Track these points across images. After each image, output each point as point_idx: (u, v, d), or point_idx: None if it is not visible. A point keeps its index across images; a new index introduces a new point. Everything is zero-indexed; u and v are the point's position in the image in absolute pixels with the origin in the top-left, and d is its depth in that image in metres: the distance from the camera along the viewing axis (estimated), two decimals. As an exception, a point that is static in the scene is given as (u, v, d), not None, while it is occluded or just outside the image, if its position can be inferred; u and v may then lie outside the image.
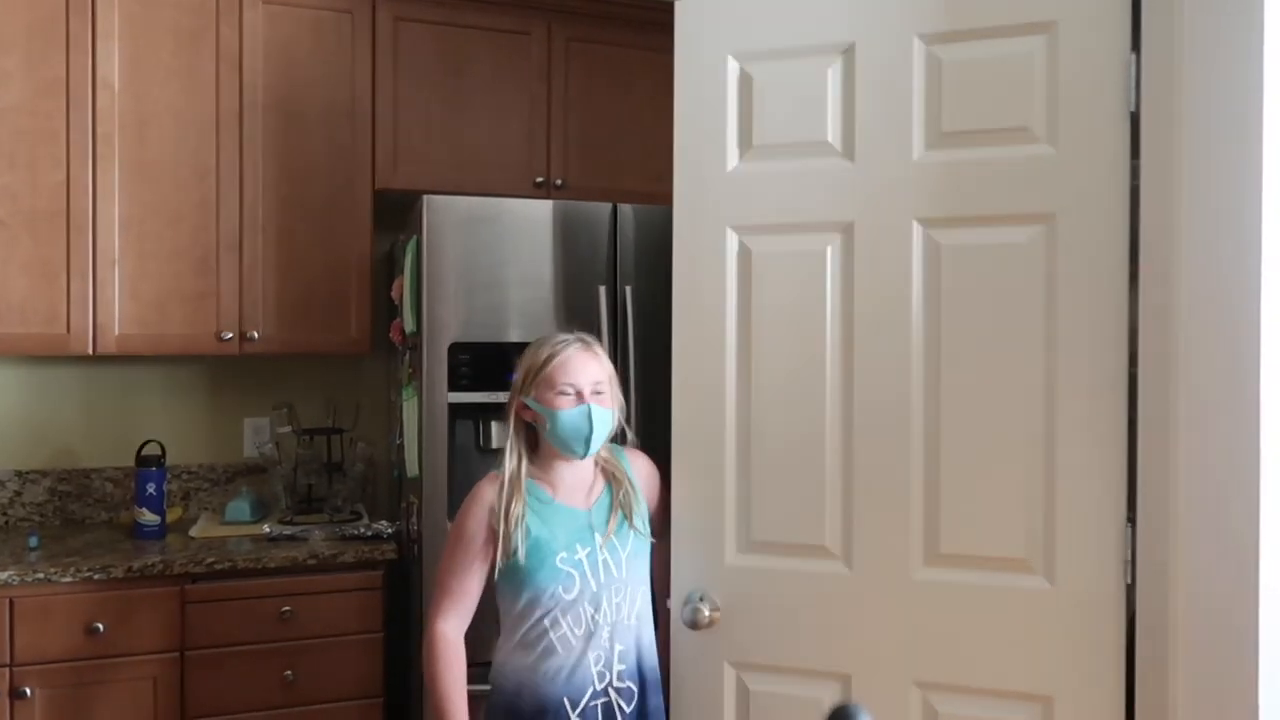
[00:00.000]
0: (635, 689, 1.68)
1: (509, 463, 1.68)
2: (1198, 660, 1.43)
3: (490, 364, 2.29)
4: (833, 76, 1.67)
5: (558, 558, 1.63)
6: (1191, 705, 1.43)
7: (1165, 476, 1.46)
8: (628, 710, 1.68)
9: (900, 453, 1.63)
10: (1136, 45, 1.51)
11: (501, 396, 1.75)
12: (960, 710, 1.62)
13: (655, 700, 1.72)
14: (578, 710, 1.63)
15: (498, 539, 1.63)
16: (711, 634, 1.73)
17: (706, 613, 1.72)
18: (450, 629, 1.66)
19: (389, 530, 2.55)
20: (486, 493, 1.67)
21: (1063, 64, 1.55)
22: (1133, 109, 1.51)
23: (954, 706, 1.62)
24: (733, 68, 1.73)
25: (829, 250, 1.68)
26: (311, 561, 2.37)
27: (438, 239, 2.27)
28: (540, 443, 1.71)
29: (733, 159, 1.73)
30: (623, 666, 1.68)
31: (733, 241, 1.73)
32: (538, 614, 1.63)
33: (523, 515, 1.64)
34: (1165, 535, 1.47)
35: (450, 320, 2.27)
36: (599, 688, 1.65)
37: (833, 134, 1.67)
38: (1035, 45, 1.56)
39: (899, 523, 1.64)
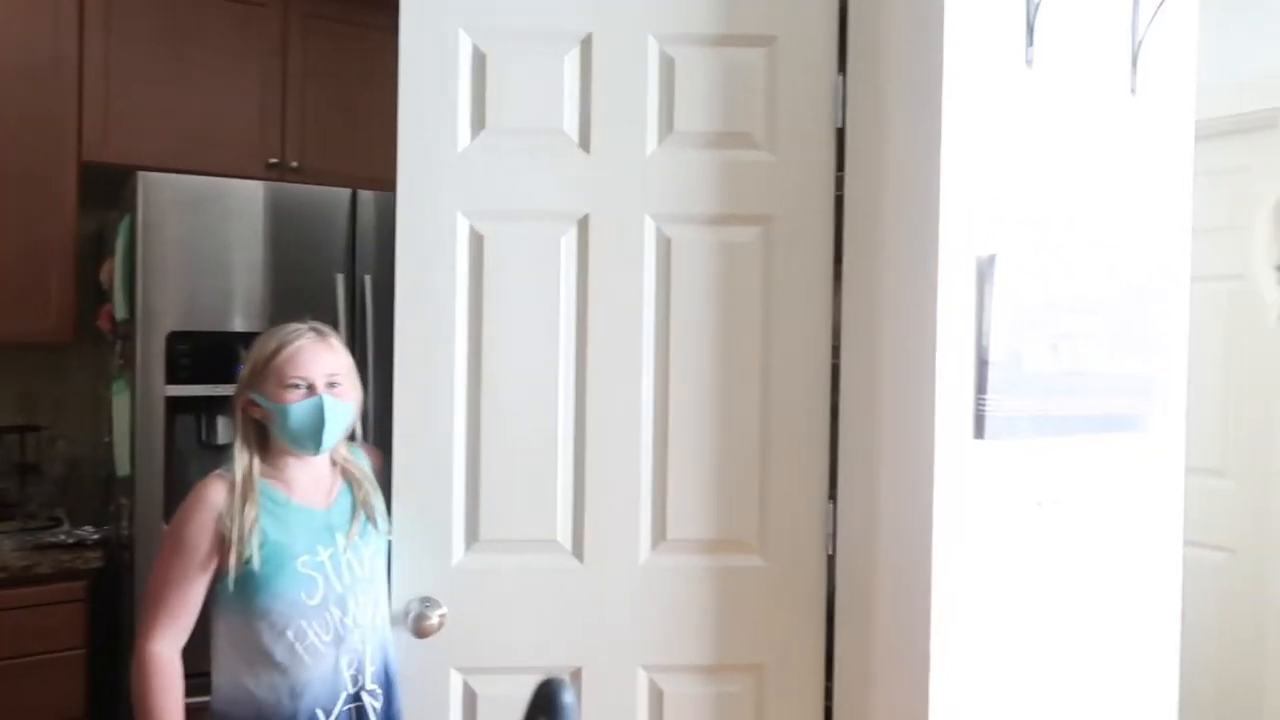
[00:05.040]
0: (382, 690, 1.65)
1: (239, 462, 1.58)
2: (888, 621, 1.61)
3: (214, 354, 2.18)
4: (570, 65, 1.71)
5: (299, 561, 1.57)
6: (882, 661, 1.62)
7: (863, 458, 1.65)
8: (379, 710, 1.64)
9: (630, 445, 1.71)
10: (843, 67, 1.67)
11: (228, 389, 1.64)
12: (684, 688, 1.73)
13: (398, 703, 1.69)
14: (331, 718, 1.57)
15: (226, 546, 1.53)
16: (438, 640, 1.68)
17: (434, 619, 1.67)
18: (165, 649, 1.53)
19: (94, 536, 2.37)
20: (212, 496, 1.56)
21: (781, 77, 1.70)
22: (839, 124, 1.66)
23: (678, 685, 1.73)
24: (465, 42, 1.69)
25: (563, 241, 1.72)
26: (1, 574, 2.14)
27: (155, 219, 2.13)
28: (271, 440, 1.62)
29: (464, 139, 1.69)
30: (374, 667, 1.64)
31: (464, 227, 1.70)
32: (280, 625, 1.55)
33: (257, 519, 1.55)
34: (862, 511, 1.64)
35: (168, 307, 2.14)
36: (351, 691, 1.61)
37: (569, 123, 1.71)
38: (758, 57, 1.70)
39: (629, 513, 1.72)
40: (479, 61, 1.69)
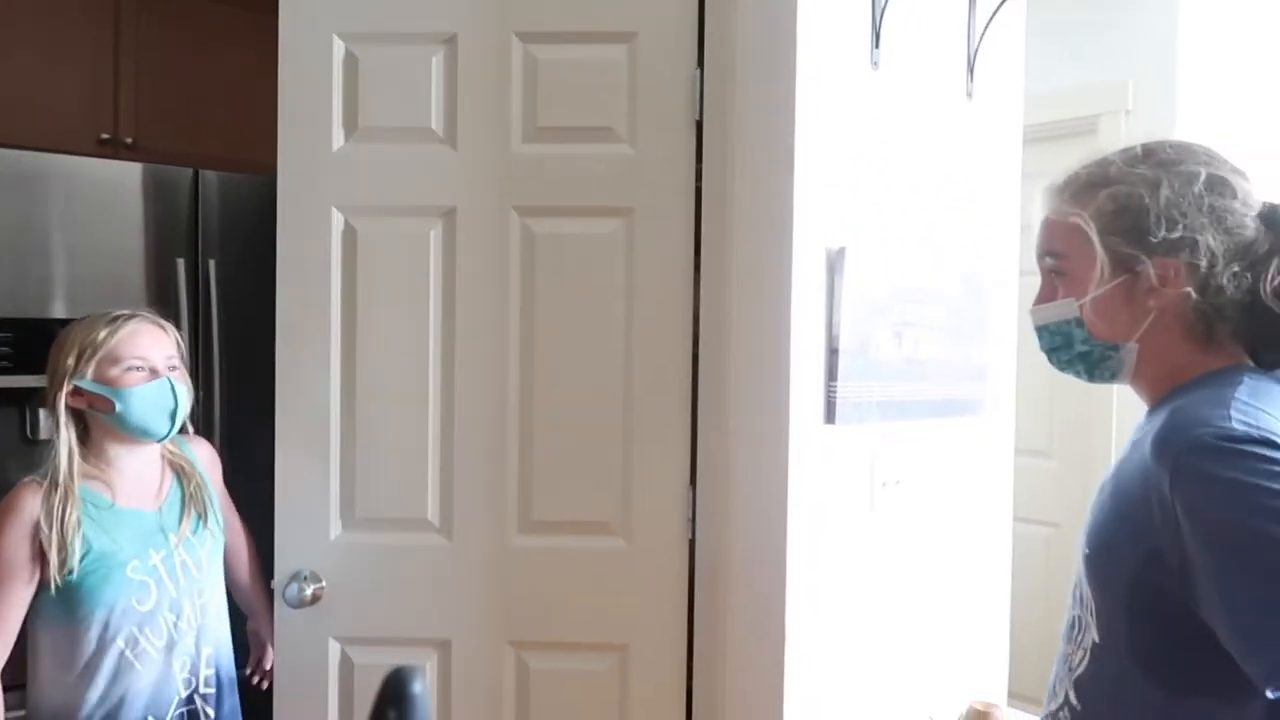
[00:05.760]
0: (215, 693, 1.62)
1: (61, 463, 1.51)
2: (745, 600, 1.70)
3: (36, 343, 2.05)
4: (436, 65, 1.77)
5: (128, 568, 1.52)
6: (739, 638, 1.71)
7: (721, 444, 1.73)
8: (211, 715, 1.61)
9: (497, 430, 1.78)
10: (701, 62, 1.73)
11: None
12: (550, 665, 1.81)
13: (231, 700, 1.67)
14: None
15: (46, 557, 1.46)
16: (316, 611, 1.77)
17: (310, 591, 1.75)
18: None
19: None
20: (25, 504, 1.48)
21: (641, 72, 1.75)
22: (698, 118, 1.73)
23: (545, 662, 1.81)
24: (339, 47, 1.77)
25: (432, 234, 1.78)
26: None
27: (-29, 196, 1.98)
28: (93, 437, 1.55)
29: (338, 139, 1.77)
30: (209, 671, 1.62)
31: (338, 221, 1.77)
32: (109, 635, 1.50)
33: (79, 523, 1.48)
34: (721, 495, 1.72)
35: (-13, 292, 2.00)
36: (184, 695, 1.57)
37: (436, 121, 1.77)
38: (618, 53, 1.76)
39: (496, 495, 1.79)
40: (350, 65, 1.77)
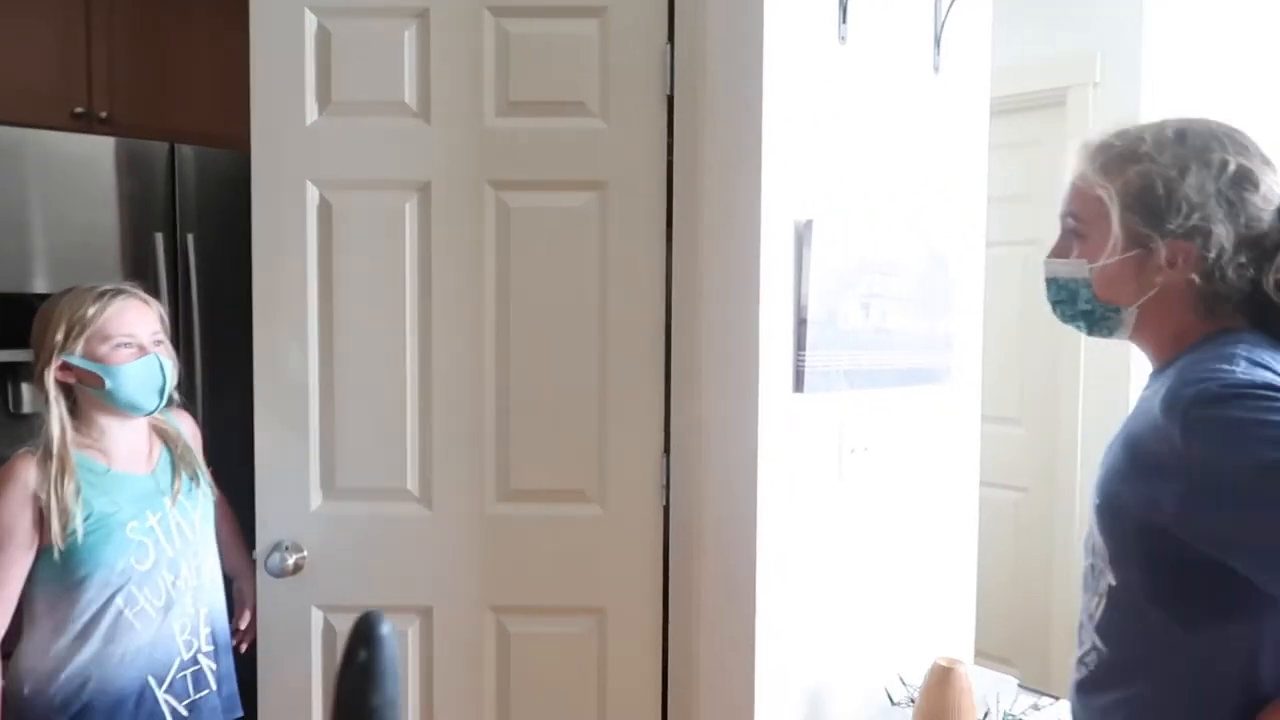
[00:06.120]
0: (213, 650, 1.67)
1: (53, 434, 1.54)
2: (718, 565, 1.76)
3: (17, 317, 2.08)
4: (409, 39, 1.79)
5: (128, 528, 1.56)
6: (713, 601, 1.77)
7: (693, 413, 1.77)
8: (216, 672, 1.66)
9: (475, 400, 1.82)
10: (671, 37, 1.76)
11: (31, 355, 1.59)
12: (529, 629, 1.86)
13: (226, 660, 1.72)
14: (165, 685, 1.58)
15: (46, 523, 1.50)
16: (298, 580, 1.82)
17: (292, 560, 1.79)
18: None
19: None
20: (22, 473, 1.52)
21: (612, 47, 1.79)
22: (669, 92, 1.77)
23: (524, 626, 1.86)
24: (310, 21, 1.78)
25: (407, 207, 1.80)
26: None
27: (-55, 172, 2.00)
28: (83, 408, 1.59)
29: (312, 113, 1.79)
30: (208, 629, 1.66)
31: (313, 195, 1.79)
32: (108, 594, 1.54)
33: (78, 489, 1.52)
34: (693, 462, 1.78)
35: (-37, 268, 2.02)
36: (187, 657, 1.62)
37: (409, 95, 1.79)
38: (590, 28, 1.79)
39: (474, 464, 1.83)
40: (323, 39, 1.78)
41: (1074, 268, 1.18)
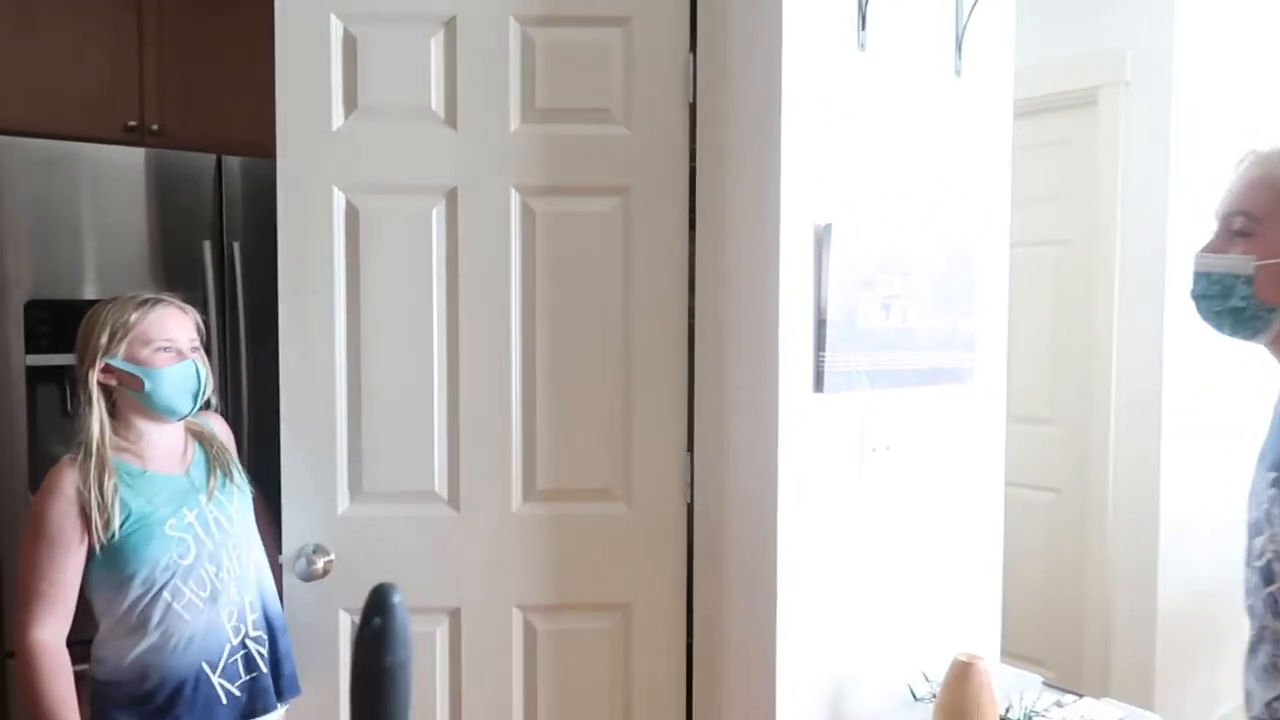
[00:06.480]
0: (266, 635, 1.74)
1: (94, 434, 1.62)
2: (740, 561, 1.79)
3: (74, 323, 2.17)
4: (435, 46, 1.83)
5: (167, 525, 1.63)
6: (736, 597, 1.80)
7: (716, 412, 1.81)
8: (265, 655, 1.73)
9: (501, 402, 1.86)
10: (694, 46, 1.80)
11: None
12: (557, 626, 1.90)
13: (285, 642, 1.78)
14: (219, 670, 1.66)
15: (91, 524, 1.58)
16: (326, 584, 1.85)
17: (320, 564, 1.83)
18: (49, 635, 1.57)
19: (-46, 510, 2.32)
20: (65, 479, 1.60)
21: (637, 56, 1.83)
22: (691, 99, 1.81)
23: (551, 623, 1.90)
24: (336, 26, 1.81)
25: (434, 212, 1.85)
26: None
27: (6, 184, 2.14)
28: (122, 411, 1.67)
29: (338, 118, 1.82)
30: (254, 615, 1.73)
31: (340, 200, 1.83)
32: (154, 589, 1.62)
33: (116, 489, 1.60)
34: (716, 461, 1.81)
35: (24, 276, 2.14)
36: (236, 642, 1.69)
37: (436, 101, 1.83)
38: (614, 36, 1.83)
39: (500, 465, 1.87)
40: (350, 44, 1.81)
41: (1237, 263, 1.19)
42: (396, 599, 0.89)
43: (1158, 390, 2.60)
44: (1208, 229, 1.26)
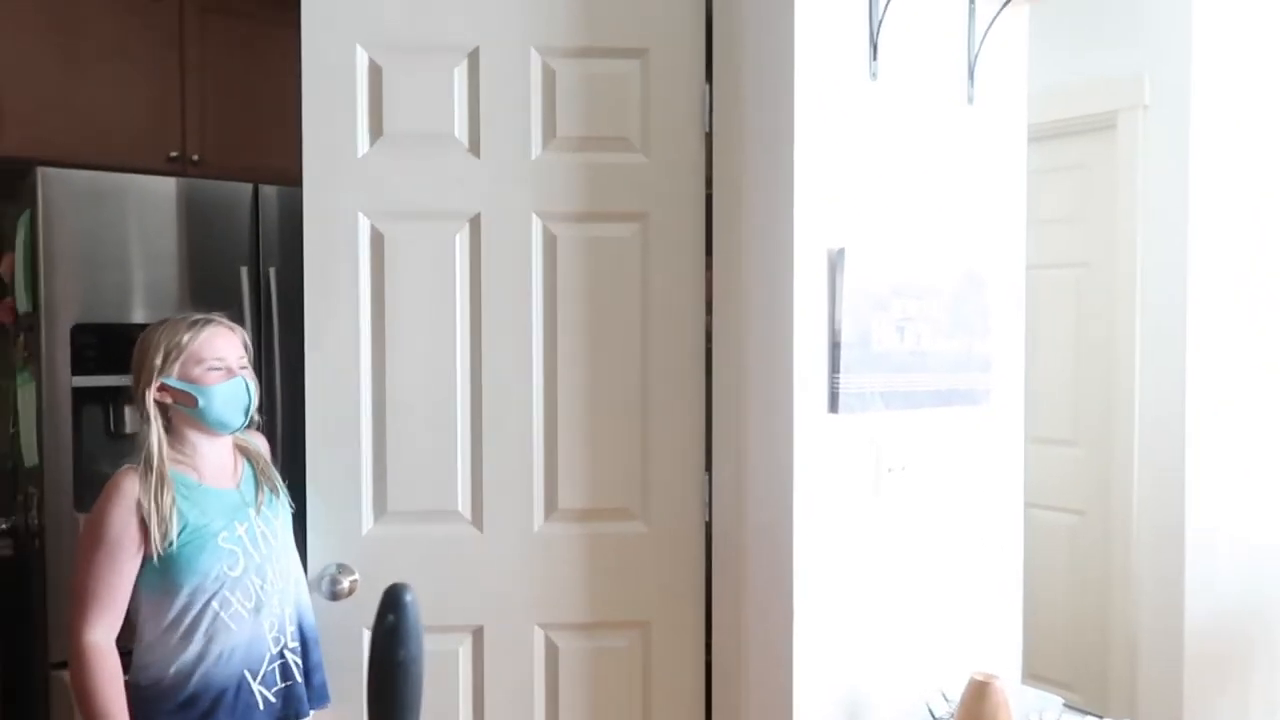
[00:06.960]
0: (301, 646, 1.80)
1: (154, 450, 1.68)
2: (758, 579, 1.82)
3: (118, 346, 2.26)
4: (459, 76, 1.88)
5: (220, 538, 1.69)
6: (754, 615, 1.83)
7: (733, 433, 1.85)
8: (300, 666, 1.79)
9: (523, 423, 1.90)
10: (710, 77, 1.85)
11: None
12: (577, 644, 1.93)
13: (317, 654, 1.84)
14: (259, 678, 1.72)
15: (149, 533, 1.64)
16: (351, 603, 1.87)
17: (345, 583, 1.87)
18: (102, 638, 1.63)
19: (2, 526, 2.42)
20: (127, 487, 1.66)
21: (654, 86, 1.88)
22: (708, 129, 1.85)
23: (572, 641, 1.93)
24: (362, 56, 1.86)
25: (458, 238, 1.89)
26: (-96, 566, 2.20)
27: (56, 214, 2.21)
28: (177, 427, 1.74)
29: (363, 146, 1.87)
30: (292, 627, 1.79)
31: (365, 226, 1.87)
32: (204, 599, 1.67)
33: (174, 502, 1.67)
34: (733, 480, 1.85)
35: (72, 300, 2.23)
36: (275, 651, 1.75)
37: (459, 129, 1.88)
38: (632, 68, 1.88)
39: (523, 486, 1.91)
40: (375, 74, 1.86)
41: None
42: (409, 598, 0.96)
43: (1181, 410, 2.60)
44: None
